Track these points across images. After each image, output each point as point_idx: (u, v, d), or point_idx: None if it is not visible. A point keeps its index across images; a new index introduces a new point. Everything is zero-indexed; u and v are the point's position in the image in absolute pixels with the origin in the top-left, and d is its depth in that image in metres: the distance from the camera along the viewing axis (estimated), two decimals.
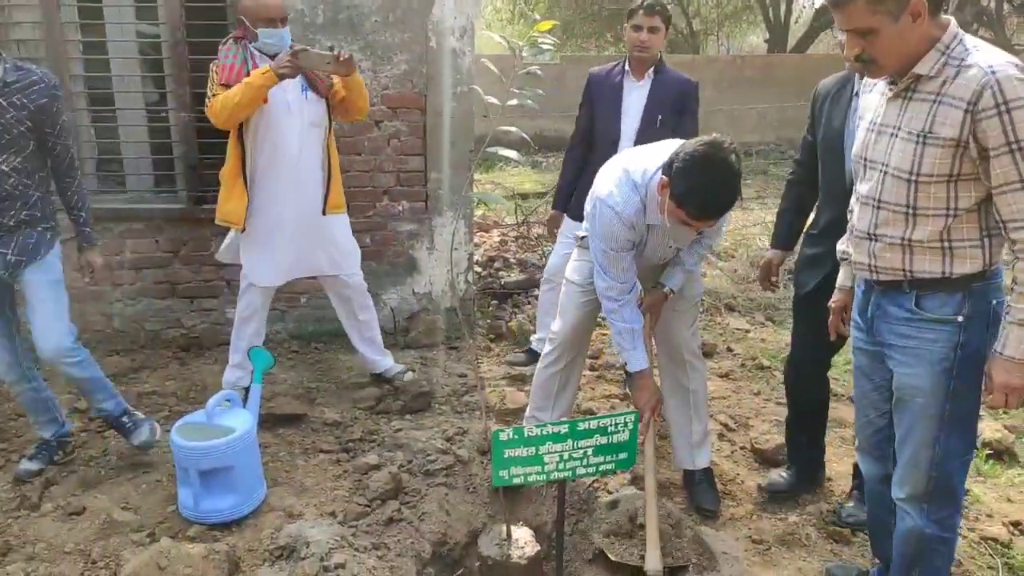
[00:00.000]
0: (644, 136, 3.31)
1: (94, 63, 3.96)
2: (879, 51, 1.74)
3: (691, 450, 2.86)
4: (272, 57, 3.04)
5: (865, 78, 2.05)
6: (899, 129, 1.81)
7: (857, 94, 2.46)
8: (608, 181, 2.47)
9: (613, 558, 2.43)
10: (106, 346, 4.03)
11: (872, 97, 1.96)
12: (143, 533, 2.51)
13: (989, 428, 3.27)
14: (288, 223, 3.21)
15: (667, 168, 2.26)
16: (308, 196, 3.24)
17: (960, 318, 1.83)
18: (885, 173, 1.84)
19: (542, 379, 2.92)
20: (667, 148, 2.48)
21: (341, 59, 2.97)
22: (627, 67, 3.49)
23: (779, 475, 2.94)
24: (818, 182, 2.65)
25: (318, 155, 3.25)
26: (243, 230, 3.21)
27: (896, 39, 1.72)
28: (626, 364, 2.61)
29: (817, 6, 16.90)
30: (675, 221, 2.30)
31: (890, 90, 1.85)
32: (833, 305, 2.30)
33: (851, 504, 2.76)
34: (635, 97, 3.46)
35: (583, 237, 2.74)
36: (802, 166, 2.76)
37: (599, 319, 2.93)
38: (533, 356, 3.91)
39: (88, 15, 3.88)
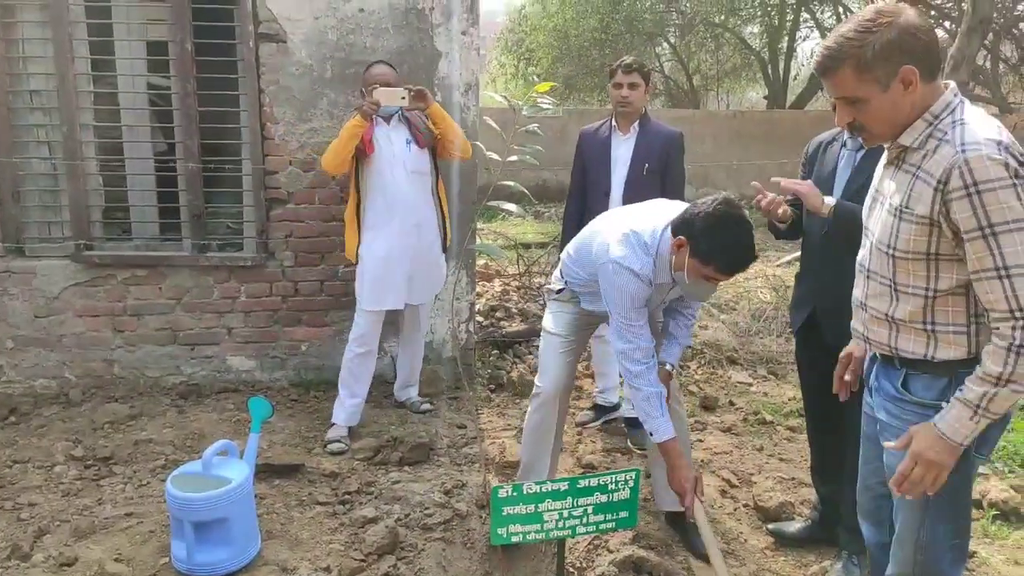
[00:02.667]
0: (633, 186, 3.55)
1: (105, 113, 4.04)
2: (869, 119, 1.70)
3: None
4: (387, 119, 3.54)
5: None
6: (885, 199, 1.77)
7: (845, 144, 2.60)
8: (618, 243, 2.49)
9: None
10: (105, 392, 4.02)
11: (879, 165, 1.93)
12: None
13: (996, 488, 3.22)
14: (397, 260, 3.57)
15: (681, 227, 2.35)
16: (416, 235, 3.60)
17: (944, 404, 1.70)
18: (872, 243, 1.81)
19: (532, 430, 2.91)
20: (663, 206, 2.60)
21: (411, 93, 3.37)
22: (614, 123, 3.71)
23: (793, 523, 2.96)
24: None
25: (426, 200, 3.64)
26: (355, 261, 3.62)
27: (887, 107, 1.67)
28: (652, 434, 2.55)
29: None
30: (696, 279, 2.37)
31: (887, 157, 1.82)
32: (842, 354, 2.18)
33: (838, 566, 2.70)
34: (623, 150, 3.66)
35: (560, 290, 2.86)
36: (792, 206, 2.83)
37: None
38: (601, 411, 3.98)
39: (101, 67, 3.97)
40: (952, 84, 1.73)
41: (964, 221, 1.58)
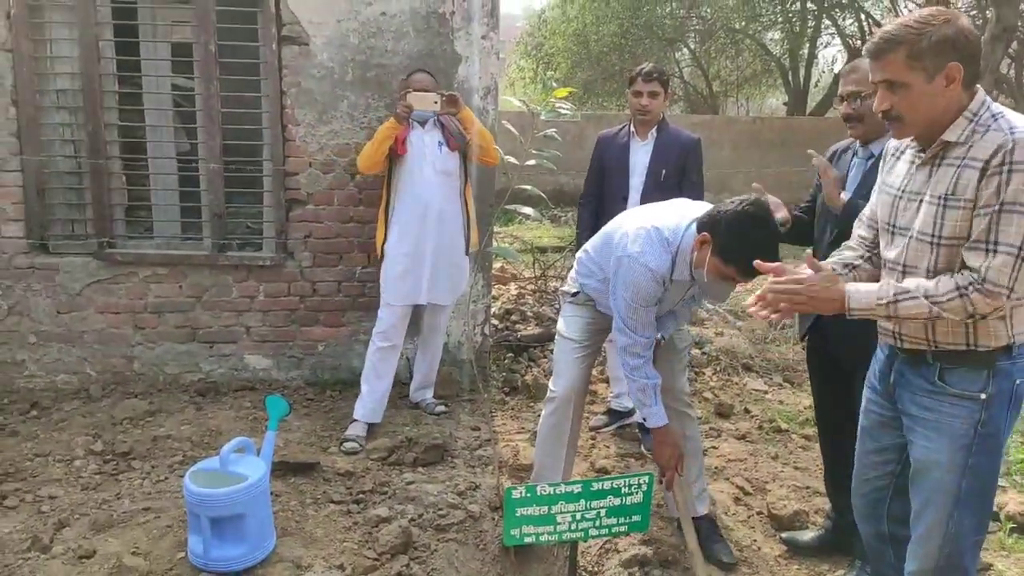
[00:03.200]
0: (650, 190, 3.56)
1: (129, 113, 4.10)
2: (908, 107, 1.77)
3: (690, 499, 2.89)
4: (422, 123, 3.64)
5: (889, 145, 2.07)
6: (926, 195, 1.83)
7: (857, 153, 2.65)
8: (636, 239, 2.50)
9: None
10: (124, 388, 4.07)
11: (901, 165, 1.97)
12: None
13: (1014, 501, 3.19)
14: (421, 256, 3.65)
15: (707, 224, 2.35)
16: (442, 234, 3.68)
17: (983, 395, 1.81)
18: (911, 238, 1.86)
19: (547, 433, 2.92)
20: (685, 205, 2.61)
21: (443, 98, 3.49)
22: (632, 128, 3.74)
23: (807, 532, 2.97)
24: (813, 224, 2.80)
25: (453, 200, 3.72)
26: (381, 257, 3.70)
27: (926, 98, 1.75)
28: (646, 420, 2.65)
29: (836, 71, 17.14)
30: (715, 278, 2.38)
31: (918, 158, 1.88)
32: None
33: (852, 574, 2.69)
34: (640, 155, 3.69)
35: (575, 293, 2.86)
36: (807, 211, 2.90)
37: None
38: (616, 416, 3.97)
39: (126, 68, 4.03)
40: (981, 88, 1.81)
41: (988, 196, 1.68)
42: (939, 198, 1.79)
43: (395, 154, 3.61)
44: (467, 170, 3.80)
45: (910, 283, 1.77)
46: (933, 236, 1.80)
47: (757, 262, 1.99)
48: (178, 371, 4.19)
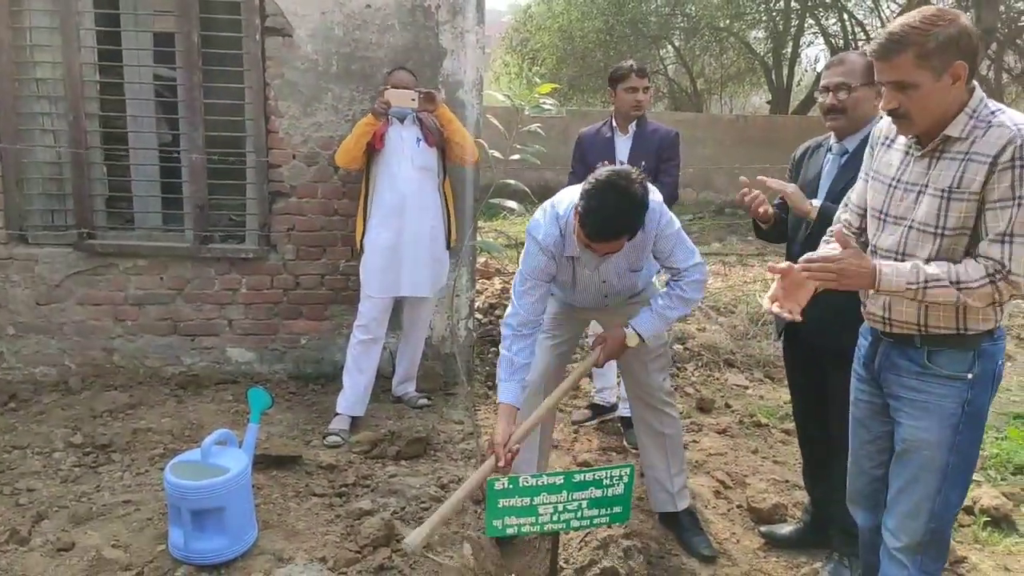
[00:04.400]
0: None
1: (110, 103, 4.06)
2: (915, 106, 1.82)
3: (672, 495, 2.94)
4: (401, 120, 3.67)
5: (877, 131, 2.10)
6: (926, 187, 1.88)
7: (831, 150, 2.66)
8: (538, 212, 2.60)
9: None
10: (104, 380, 4.03)
11: (893, 155, 2.01)
12: (132, 572, 2.48)
13: (987, 495, 3.25)
14: (399, 249, 3.67)
15: (581, 196, 2.37)
16: (420, 227, 3.69)
17: (970, 375, 1.91)
18: (910, 228, 1.91)
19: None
20: None
21: (421, 95, 3.53)
22: (614, 123, 3.80)
23: (785, 525, 3.01)
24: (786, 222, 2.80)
25: (431, 195, 3.75)
26: (360, 250, 3.74)
27: (934, 97, 1.80)
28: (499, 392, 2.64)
29: (819, 70, 17.25)
30: (581, 246, 2.42)
31: (916, 150, 1.92)
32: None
33: (829, 567, 2.73)
34: (622, 148, 3.77)
35: None
36: (780, 208, 2.87)
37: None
38: (598, 410, 3.98)
39: (107, 57, 3.99)
40: (977, 85, 1.86)
41: (1000, 191, 1.75)
42: (943, 191, 1.84)
43: (373, 149, 3.64)
44: (446, 166, 3.83)
45: (938, 269, 1.81)
46: (937, 227, 1.86)
47: (769, 264, 2.03)
48: (159, 364, 4.16)
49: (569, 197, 2.57)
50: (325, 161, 4.06)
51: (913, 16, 1.81)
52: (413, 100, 3.53)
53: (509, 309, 2.67)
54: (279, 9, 3.90)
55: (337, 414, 3.68)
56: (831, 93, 2.55)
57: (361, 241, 3.73)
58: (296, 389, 4.14)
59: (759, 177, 2.67)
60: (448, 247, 3.87)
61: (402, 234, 3.67)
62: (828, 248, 2.15)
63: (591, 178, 2.36)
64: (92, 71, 3.95)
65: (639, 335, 2.64)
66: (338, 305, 4.24)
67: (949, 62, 1.77)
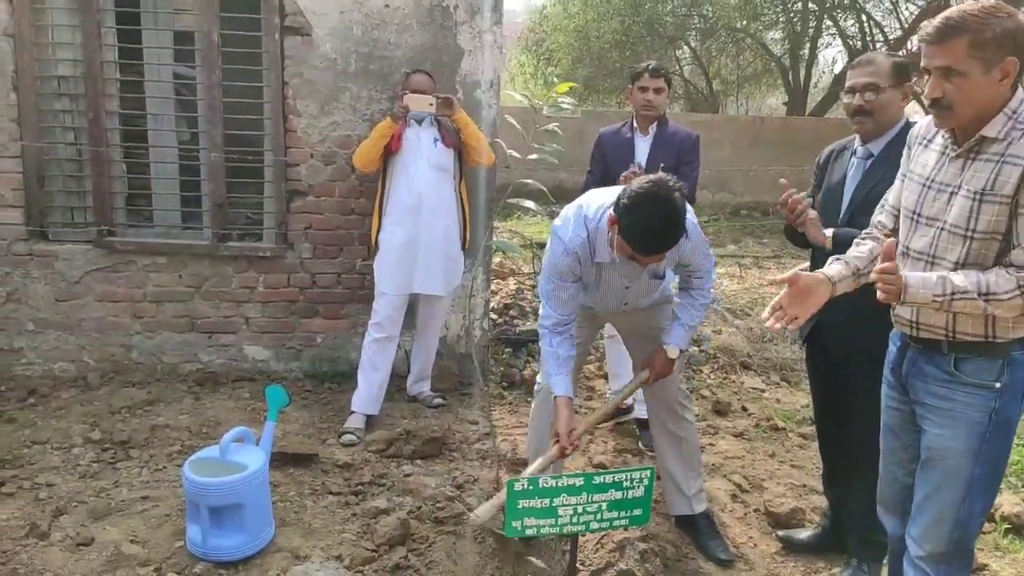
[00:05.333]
0: None
1: (131, 101, 4.08)
2: (960, 97, 1.77)
3: (688, 498, 2.94)
4: (419, 121, 3.69)
5: (915, 132, 2.07)
6: (959, 188, 1.84)
7: (855, 153, 2.60)
8: (564, 216, 2.59)
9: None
10: (123, 377, 4.06)
11: (929, 155, 1.97)
12: (150, 568, 2.50)
13: (1008, 502, 3.20)
14: (414, 247, 3.68)
15: (615, 204, 2.36)
16: (435, 225, 3.70)
17: (998, 384, 1.86)
18: (942, 229, 1.87)
19: (538, 427, 2.94)
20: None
21: (439, 100, 3.56)
22: (634, 123, 3.78)
23: (803, 530, 2.98)
24: None
25: (447, 195, 3.76)
26: (376, 248, 3.75)
27: (980, 89, 1.76)
28: (552, 387, 2.66)
29: (836, 72, 17.15)
30: (623, 257, 2.42)
31: (952, 150, 1.89)
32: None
33: (847, 574, 2.70)
34: (641, 149, 3.74)
35: None
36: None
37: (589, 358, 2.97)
38: (620, 411, 3.99)
39: (128, 56, 4.02)
40: (1020, 87, 1.82)
41: None
42: (976, 193, 1.80)
43: (390, 151, 3.66)
44: (462, 167, 3.85)
45: (966, 280, 1.76)
46: (967, 230, 1.82)
47: (769, 279, 2.03)
48: (177, 361, 4.18)
49: (598, 200, 2.56)
50: (343, 160, 4.07)
51: (972, 4, 1.76)
52: (431, 105, 3.57)
53: (541, 311, 2.67)
54: (298, 8, 3.91)
55: (352, 412, 3.68)
56: (858, 94, 2.47)
57: (376, 239, 3.74)
58: (312, 387, 4.16)
59: (781, 181, 2.62)
60: (463, 247, 3.87)
61: (417, 233, 3.68)
62: (855, 252, 2.11)
63: (632, 191, 2.31)
64: (113, 69, 3.98)
65: (680, 349, 2.73)
66: (354, 304, 4.24)
67: (1002, 56, 1.73)
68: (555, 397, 2.63)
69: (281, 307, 4.22)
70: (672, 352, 2.71)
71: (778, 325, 1.96)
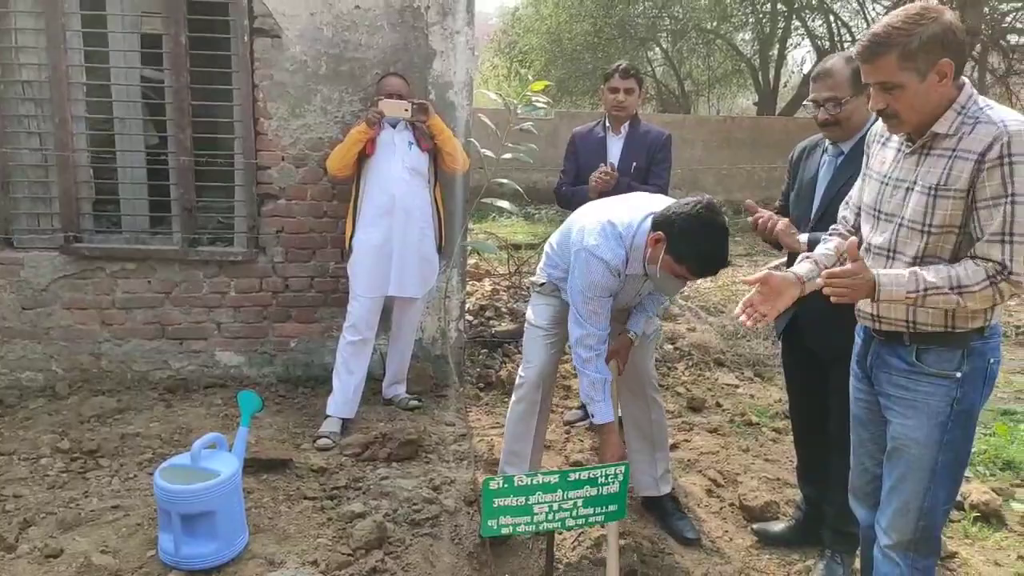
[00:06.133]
0: (622, 181, 3.61)
1: (97, 105, 4.02)
2: (903, 106, 1.81)
3: (655, 479, 3.01)
4: (393, 125, 3.69)
5: (873, 130, 2.11)
6: (915, 183, 1.87)
7: (826, 151, 2.64)
8: (592, 233, 2.57)
9: None
10: (92, 385, 4.00)
11: (887, 152, 2.01)
12: None
13: (977, 491, 3.26)
14: (388, 249, 3.69)
15: (662, 223, 2.42)
16: (409, 228, 3.70)
17: (958, 374, 1.90)
18: (901, 225, 1.91)
19: (516, 419, 2.96)
20: (639, 199, 2.69)
21: (414, 106, 3.57)
22: (607, 123, 3.82)
23: (778, 523, 3.01)
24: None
25: (422, 198, 3.76)
26: (350, 251, 3.73)
27: (920, 96, 1.79)
28: (593, 415, 2.68)
29: (805, 72, 17.37)
30: (667, 274, 2.45)
31: (907, 146, 1.92)
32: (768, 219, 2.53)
33: (821, 565, 2.73)
34: (614, 149, 3.77)
35: (543, 284, 2.92)
36: (780, 213, 2.88)
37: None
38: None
39: (94, 59, 3.96)
40: (967, 80, 1.85)
41: (992, 188, 1.74)
42: (930, 188, 1.83)
43: (364, 154, 3.65)
44: (437, 171, 3.84)
45: (936, 276, 1.79)
46: (924, 224, 1.85)
47: (743, 276, 2.08)
48: (147, 368, 4.12)
49: (621, 215, 2.57)
50: (314, 163, 4.05)
51: (896, 15, 1.79)
52: (406, 111, 3.57)
53: (578, 332, 2.62)
54: (267, 10, 3.88)
55: (327, 416, 3.66)
56: (822, 108, 2.50)
57: (350, 242, 3.72)
58: (286, 392, 4.12)
59: (747, 201, 2.75)
60: (439, 249, 3.86)
61: (391, 235, 3.68)
62: (822, 249, 2.15)
63: (685, 215, 2.36)
64: (79, 73, 3.91)
65: (637, 334, 2.87)
66: (328, 307, 4.22)
67: (934, 60, 1.75)
68: (604, 424, 2.65)
69: (253, 312, 4.17)
70: (633, 337, 2.84)
71: (749, 322, 2.00)
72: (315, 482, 3.17)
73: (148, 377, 4.11)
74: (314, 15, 3.93)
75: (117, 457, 3.30)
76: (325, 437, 3.52)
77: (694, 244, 2.35)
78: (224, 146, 4.10)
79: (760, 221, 2.64)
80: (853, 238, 1.90)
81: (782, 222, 2.60)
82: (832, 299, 1.86)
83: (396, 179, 3.66)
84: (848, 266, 1.83)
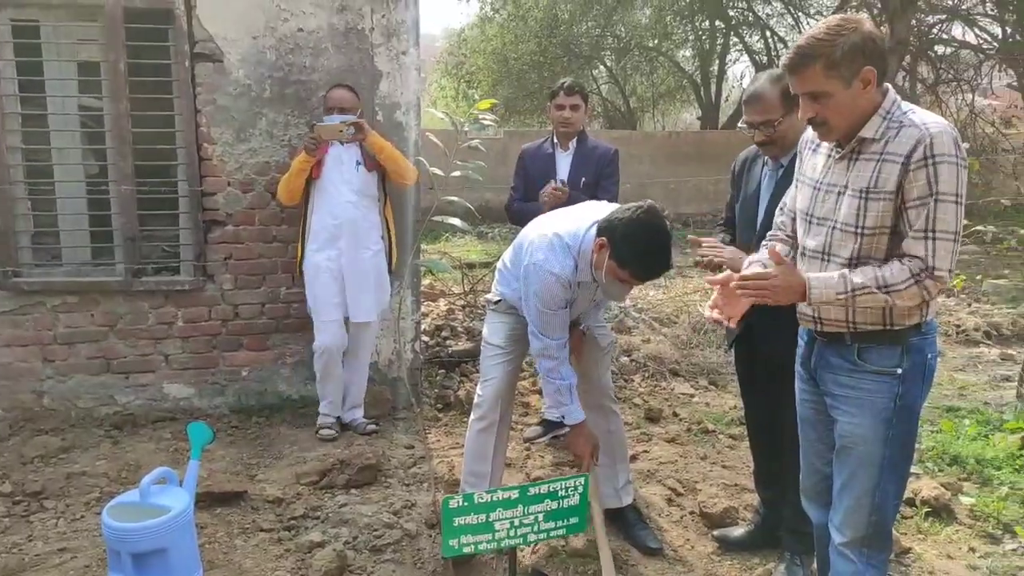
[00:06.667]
0: (572, 196, 3.60)
1: (33, 135, 3.91)
2: (831, 113, 1.89)
3: (616, 490, 3.02)
4: (342, 143, 3.63)
5: (804, 136, 2.17)
6: (846, 188, 1.94)
7: (767, 163, 2.69)
8: (540, 248, 2.59)
9: None
10: (35, 424, 3.85)
11: (818, 158, 2.08)
12: None
13: (927, 487, 3.34)
14: (339, 274, 3.71)
15: (604, 229, 2.46)
16: (359, 251, 3.72)
17: (900, 370, 1.95)
18: (834, 228, 1.97)
19: (475, 439, 2.94)
20: (588, 210, 2.71)
21: (350, 126, 3.52)
22: (555, 140, 3.85)
23: (737, 528, 3.03)
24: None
25: (371, 219, 3.76)
26: (300, 274, 3.78)
27: (847, 103, 1.87)
28: (564, 417, 2.75)
29: (745, 86, 17.81)
30: (613, 280, 2.49)
31: (837, 152, 1.99)
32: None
33: (782, 567, 2.77)
34: (563, 164, 3.81)
35: (497, 301, 2.93)
36: (727, 226, 2.96)
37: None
38: (550, 426, 3.95)
39: (29, 88, 3.85)
40: (890, 87, 1.93)
41: (918, 188, 1.81)
42: (860, 191, 1.90)
43: (311, 177, 3.65)
44: (387, 189, 3.83)
45: (863, 278, 1.85)
46: (856, 227, 1.92)
47: (708, 276, 2.13)
48: (92, 404, 3.99)
49: (567, 225, 2.61)
50: (261, 187, 3.99)
51: (819, 28, 1.88)
52: (341, 132, 3.54)
53: (537, 345, 2.67)
54: (208, 35, 3.83)
55: (321, 414, 3.86)
56: (757, 130, 2.55)
57: (300, 266, 3.70)
58: (239, 423, 4.03)
59: (689, 237, 2.81)
60: (390, 270, 3.86)
61: (341, 259, 3.69)
62: (765, 253, 2.21)
63: (626, 220, 2.40)
64: (14, 103, 3.80)
65: (588, 327, 2.93)
66: (280, 334, 4.15)
67: (857, 69, 1.83)
68: (577, 423, 2.72)
69: (202, 342, 4.08)
70: (584, 329, 2.89)
71: (722, 318, 2.08)
72: (271, 513, 3.10)
73: (93, 413, 3.98)
74: (256, 39, 3.90)
75: (63, 498, 3.18)
76: (328, 428, 3.78)
77: (635, 248, 2.39)
78: (167, 173, 4.02)
79: (704, 262, 2.68)
80: (773, 244, 1.96)
81: (727, 252, 2.62)
82: (754, 301, 1.94)
83: (343, 203, 3.66)
84: (768, 269, 1.90)
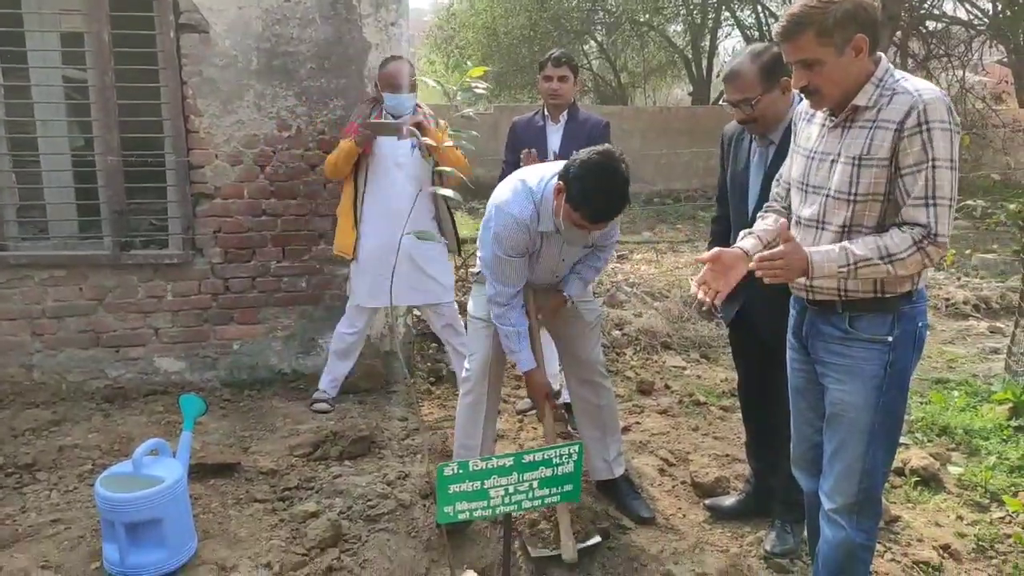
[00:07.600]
0: None
1: (17, 107, 3.85)
2: (823, 81, 1.88)
3: (608, 463, 3.03)
4: (396, 117, 3.55)
5: (799, 108, 2.17)
6: (839, 155, 1.94)
7: (754, 140, 2.67)
8: (505, 191, 2.63)
9: (533, 554, 2.61)
10: (25, 398, 3.83)
11: (812, 128, 2.07)
12: None
13: (916, 456, 3.38)
14: (391, 258, 3.45)
15: (562, 173, 2.45)
16: (412, 238, 3.51)
17: (890, 338, 1.96)
18: (827, 196, 1.97)
19: (465, 412, 2.96)
20: (561, 164, 2.66)
21: (406, 129, 3.32)
22: (546, 112, 3.82)
23: (728, 497, 3.06)
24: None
25: (424, 203, 3.65)
26: (354, 259, 3.69)
27: (840, 71, 1.87)
28: (516, 365, 2.80)
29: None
30: (570, 224, 2.48)
31: (830, 121, 1.99)
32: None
33: (772, 535, 2.80)
34: (554, 137, 3.79)
35: (479, 272, 2.90)
36: (720, 202, 2.94)
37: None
38: None
39: (12, 59, 3.79)
40: (883, 56, 1.93)
41: (914, 155, 1.82)
42: (853, 159, 1.90)
43: (363, 152, 3.58)
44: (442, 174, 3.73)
45: (865, 249, 1.85)
46: (850, 194, 1.92)
47: (697, 256, 2.11)
48: (82, 378, 3.97)
49: (537, 174, 2.63)
50: (250, 160, 3.95)
51: None
52: (397, 130, 3.39)
53: (490, 291, 2.70)
54: (193, 5, 3.77)
55: (318, 389, 3.85)
56: (737, 108, 2.55)
57: (353, 247, 3.68)
58: (231, 396, 4.02)
59: (696, 258, 2.73)
60: (450, 251, 3.88)
61: (393, 244, 3.57)
62: (762, 225, 2.21)
63: (579, 161, 2.39)
64: None
65: (571, 296, 2.89)
66: (271, 308, 4.13)
67: (849, 36, 1.83)
68: (528, 370, 2.75)
69: (193, 315, 4.06)
70: (567, 297, 2.87)
71: (705, 297, 2.07)
72: (265, 484, 3.10)
73: (84, 387, 3.96)
74: (242, 9, 3.83)
75: (55, 470, 3.17)
76: (322, 401, 3.80)
77: (585, 189, 2.37)
78: (154, 145, 3.97)
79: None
80: (783, 220, 1.95)
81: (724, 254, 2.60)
82: (766, 280, 1.92)
83: (398, 187, 3.59)
84: (778, 248, 1.89)
